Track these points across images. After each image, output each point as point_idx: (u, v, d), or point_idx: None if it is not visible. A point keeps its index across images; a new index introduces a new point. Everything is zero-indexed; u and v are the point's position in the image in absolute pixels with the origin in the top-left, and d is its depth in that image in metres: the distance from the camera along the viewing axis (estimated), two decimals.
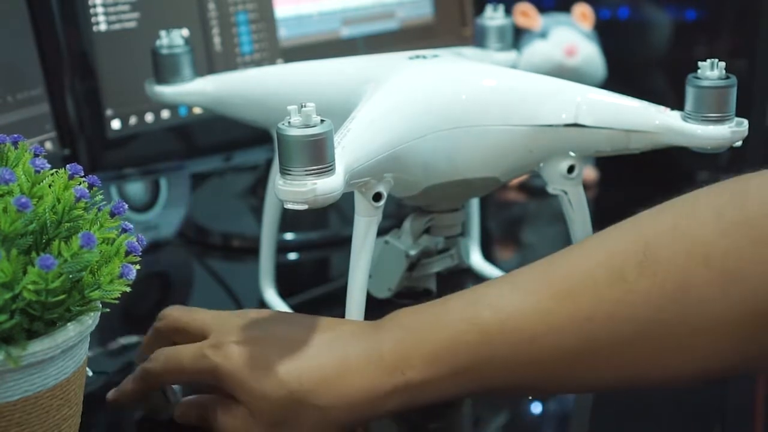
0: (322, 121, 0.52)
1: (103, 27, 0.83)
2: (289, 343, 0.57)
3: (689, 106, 0.60)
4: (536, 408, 0.68)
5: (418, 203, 0.69)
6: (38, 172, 0.52)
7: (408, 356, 0.55)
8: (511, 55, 0.82)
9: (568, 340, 0.53)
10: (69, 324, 0.51)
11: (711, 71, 0.59)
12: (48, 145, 0.80)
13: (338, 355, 0.56)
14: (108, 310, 0.53)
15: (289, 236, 0.96)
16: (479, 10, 0.87)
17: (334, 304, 0.82)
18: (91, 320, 0.52)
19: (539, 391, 0.65)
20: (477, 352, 0.55)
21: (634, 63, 1.20)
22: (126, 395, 0.63)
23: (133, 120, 0.86)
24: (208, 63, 0.88)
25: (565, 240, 0.68)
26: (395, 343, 0.56)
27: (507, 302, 0.55)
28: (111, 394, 0.64)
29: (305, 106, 0.52)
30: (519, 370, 0.55)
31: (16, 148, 0.55)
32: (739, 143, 0.60)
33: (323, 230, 0.98)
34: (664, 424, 0.66)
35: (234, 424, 0.57)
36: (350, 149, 0.56)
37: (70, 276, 0.49)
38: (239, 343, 0.57)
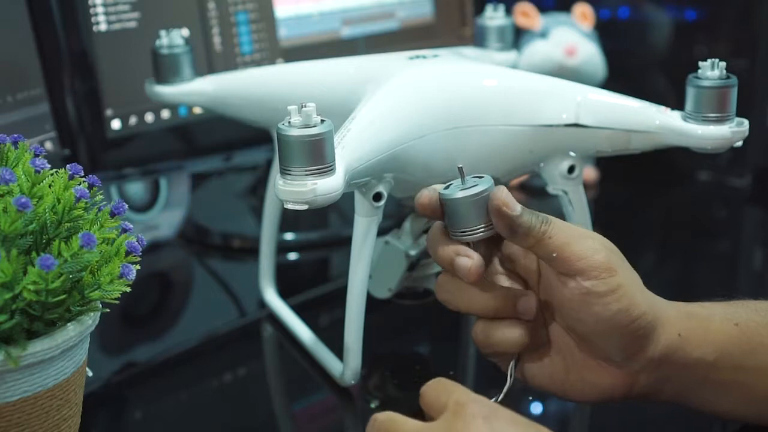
0: (322, 121, 0.52)
1: (103, 27, 0.82)
2: None
3: (689, 106, 0.60)
4: (536, 408, 0.68)
5: None
6: (38, 172, 0.52)
7: None
8: (511, 55, 0.82)
9: None
10: (69, 324, 0.51)
11: (711, 71, 0.59)
12: (48, 145, 0.80)
13: None
14: (108, 310, 0.53)
15: (289, 236, 0.96)
16: (479, 10, 0.87)
17: (334, 304, 0.82)
18: (91, 320, 0.52)
19: None
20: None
21: (634, 63, 1.20)
22: None
23: (133, 120, 0.86)
24: (208, 63, 0.88)
25: None
26: None
27: None
28: None
29: (305, 106, 0.52)
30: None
31: (16, 148, 0.55)
32: (739, 143, 0.60)
33: (323, 230, 0.98)
34: (664, 424, 0.66)
35: None
36: (350, 149, 0.56)
37: (70, 276, 0.49)
38: None
